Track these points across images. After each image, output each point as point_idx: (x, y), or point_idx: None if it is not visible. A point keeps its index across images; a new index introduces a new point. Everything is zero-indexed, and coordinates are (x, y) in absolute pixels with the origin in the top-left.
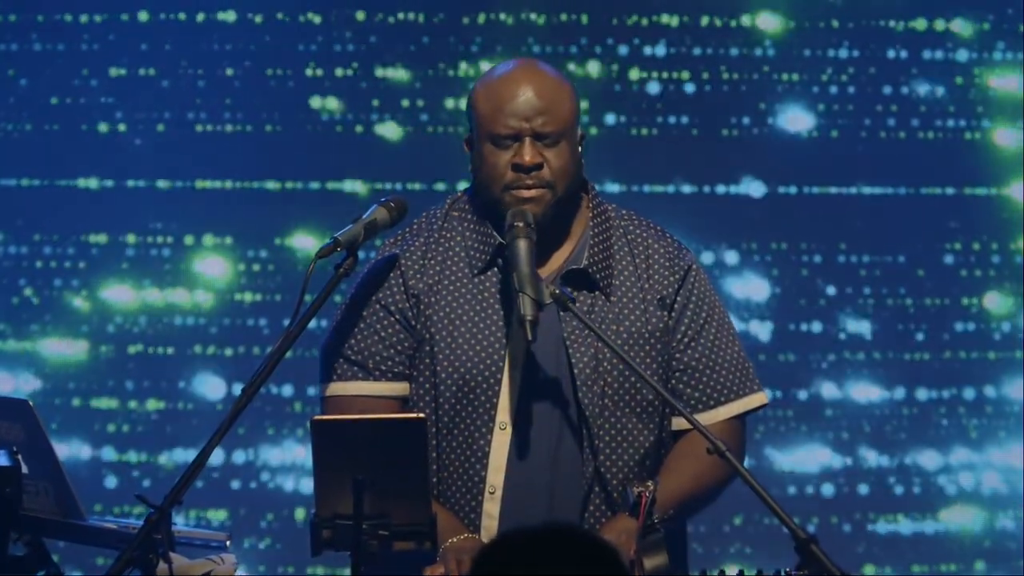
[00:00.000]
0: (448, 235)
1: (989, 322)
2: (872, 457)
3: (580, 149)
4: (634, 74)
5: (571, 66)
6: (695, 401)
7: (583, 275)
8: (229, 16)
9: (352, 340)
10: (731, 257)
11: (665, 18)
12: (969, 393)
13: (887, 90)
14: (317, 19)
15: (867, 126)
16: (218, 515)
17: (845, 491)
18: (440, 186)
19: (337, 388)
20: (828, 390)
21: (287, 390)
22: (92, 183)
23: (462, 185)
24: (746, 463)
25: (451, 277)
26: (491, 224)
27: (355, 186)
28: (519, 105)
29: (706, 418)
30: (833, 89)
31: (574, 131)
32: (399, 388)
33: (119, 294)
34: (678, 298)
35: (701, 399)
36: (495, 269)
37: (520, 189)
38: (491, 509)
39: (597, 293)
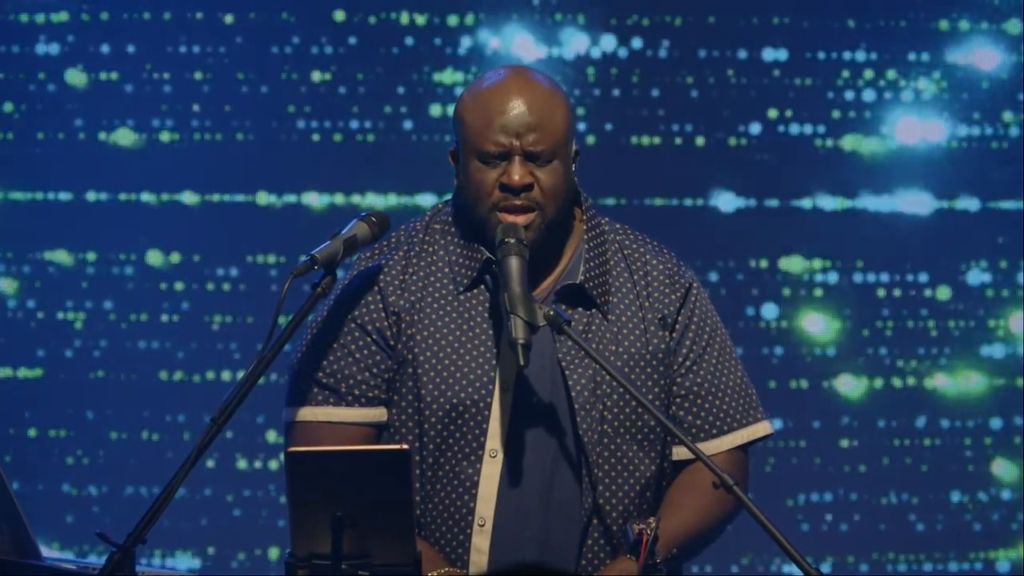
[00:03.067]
0: (431, 249)
1: (1018, 346)
2: (891, 491)
3: (574, 166)
4: (635, 78)
5: (567, 70)
6: (696, 429)
7: (579, 291)
8: (198, 16)
9: (324, 361)
10: (739, 276)
11: (668, 18)
12: (996, 423)
13: (908, 96)
14: (292, 19)
15: (885, 134)
16: (185, 555)
17: (862, 528)
18: (426, 199)
19: (305, 413)
20: (844, 419)
21: (260, 419)
22: (49, 196)
23: (448, 197)
24: (756, 497)
25: (435, 294)
26: (478, 239)
27: (334, 199)
28: (509, 121)
29: (709, 447)
30: (849, 94)
31: (567, 147)
32: (374, 414)
33: (78, 316)
34: (679, 318)
35: (703, 427)
36: (482, 286)
37: (508, 212)
38: (480, 543)
39: (594, 311)
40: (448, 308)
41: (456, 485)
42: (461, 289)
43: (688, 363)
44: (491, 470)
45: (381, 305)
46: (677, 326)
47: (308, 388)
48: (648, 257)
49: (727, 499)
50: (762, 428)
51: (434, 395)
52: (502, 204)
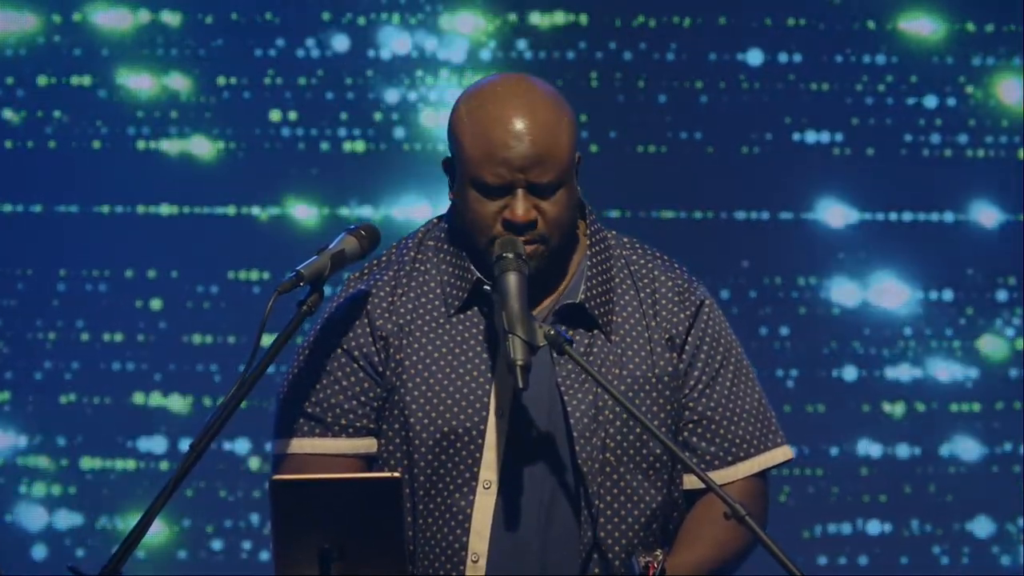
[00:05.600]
0: (422, 268)
1: None
2: (914, 523)
3: (575, 178)
4: (640, 83)
5: (569, 74)
6: (711, 456)
7: (580, 311)
8: (175, 17)
9: (310, 390)
10: (752, 293)
11: (676, 19)
12: None
13: (931, 102)
14: (277, 20)
15: (908, 143)
16: None
17: (883, 562)
18: (418, 212)
19: (293, 445)
20: (863, 446)
21: (242, 446)
22: (18, 208)
23: (443, 211)
24: (770, 528)
25: (425, 317)
26: (472, 258)
27: (320, 212)
28: (512, 154)
29: (724, 475)
30: (869, 100)
31: (572, 168)
32: (364, 445)
33: (48, 335)
34: (689, 338)
35: (718, 454)
36: (475, 308)
37: None
38: None
39: (596, 332)
40: (439, 331)
41: (448, 518)
42: (452, 311)
43: (701, 386)
44: (485, 502)
45: (368, 329)
46: (687, 347)
47: (294, 419)
48: (656, 273)
49: (743, 531)
50: (781, 453)
51: (424, 423)
52: (503, 240)
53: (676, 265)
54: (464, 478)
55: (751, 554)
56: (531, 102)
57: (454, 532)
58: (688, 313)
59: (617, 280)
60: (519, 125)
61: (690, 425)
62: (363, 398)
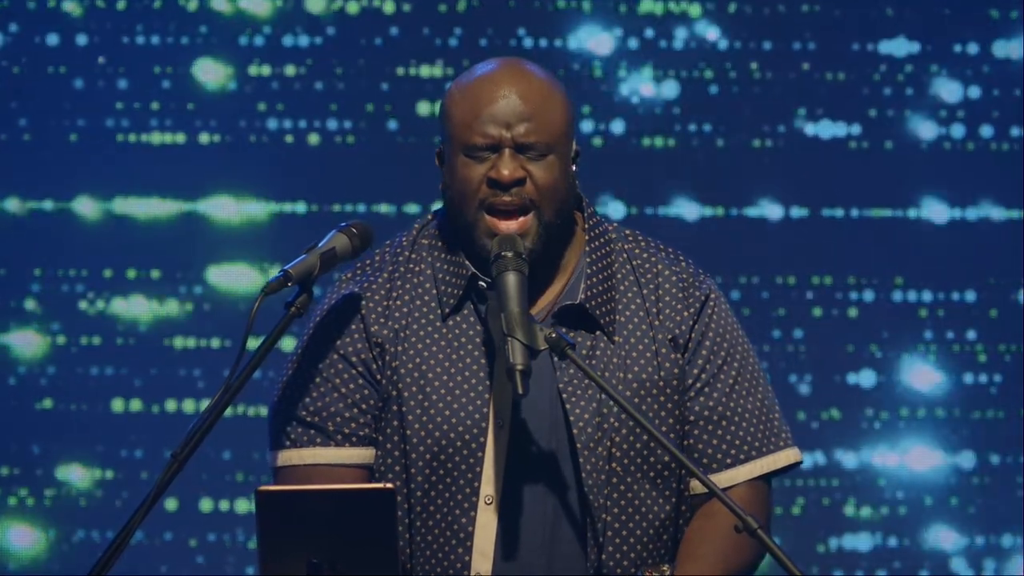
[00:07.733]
0: (416, 268)
1: None
2: (934, 535)
3: (574, 167)
4: (647, 72)
5: (570, 63)
6: (709, 459)
7: (580, 312)
8: (156, 2)
9: (307, 399)
10: (763, 294)
11: (684, 5)
12: None
13: (953, 93)
14: (264, 7)
15: (928, 136)
16: None
17: None
18: (412, 208)
19: (292, 456)
20: (881, 455)
21: (226, 455)
22: None
23: (437, 206)
24: (783, 541)
25: (420, 320)
26: (465, 250)
27: (309, 208)
28: (499, 110)
29: (725, 478)
30: (887, 90)
31: (565, 144)
32: (366, 454)
33: (22, 339)
34: (692, 335)
35: (716, 456)
36: (471, 307)
37: (498, 213)
38: None
39: (598, 334)
40: (435, 336)
41: (449, 537)
42: (447, 311)
43: (699, 384)
44: (487, 519)
45: (364, 335)
46: (690, 344)
47: (291, 429)
48: (660, 267)
49: (749, 544)
50: (785, 456)
51: (420, 435)
52: (490, 201)
53: (681, 258)
54: (464, 493)
55: (756, 568)
56: (521, 70)
57: (456, 551)
58: (692, 311)
59: (619, 277)
60: (507, 83)
61: (688, 425)
62: (363, 405)
